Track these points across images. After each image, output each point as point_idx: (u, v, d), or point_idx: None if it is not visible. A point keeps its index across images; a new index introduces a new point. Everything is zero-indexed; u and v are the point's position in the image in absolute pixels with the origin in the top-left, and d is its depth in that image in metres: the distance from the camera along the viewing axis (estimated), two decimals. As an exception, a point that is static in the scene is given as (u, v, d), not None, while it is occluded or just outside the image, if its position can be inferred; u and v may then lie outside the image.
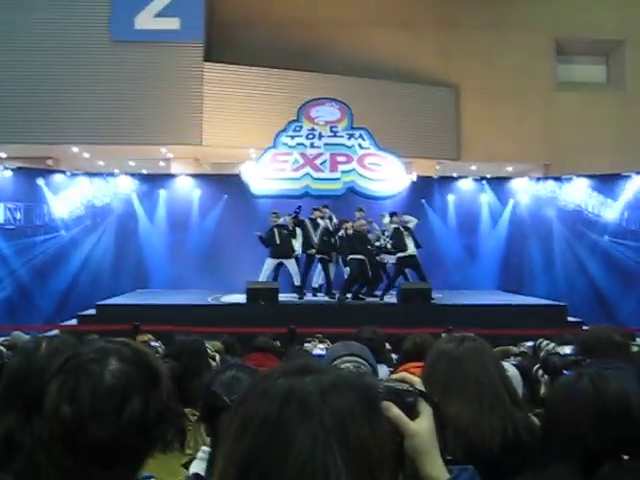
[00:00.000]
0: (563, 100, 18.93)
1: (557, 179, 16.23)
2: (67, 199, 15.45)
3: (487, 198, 16.47)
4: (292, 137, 14.16)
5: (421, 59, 18.76)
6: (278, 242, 13.52)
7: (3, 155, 17.21)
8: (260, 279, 13.53)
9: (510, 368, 3.61)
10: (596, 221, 15.38)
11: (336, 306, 13.10)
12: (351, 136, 14.19)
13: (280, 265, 13.74)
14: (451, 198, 16.32)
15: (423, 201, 15.96)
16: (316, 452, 1.00)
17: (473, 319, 11.10)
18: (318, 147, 14.10)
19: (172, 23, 17.05)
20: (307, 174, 13.96)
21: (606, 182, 15.41)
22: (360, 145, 14.14)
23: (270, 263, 13.66)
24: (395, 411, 1.32)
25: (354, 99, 14.82)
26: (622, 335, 3.78)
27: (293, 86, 17.10)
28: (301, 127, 14.22)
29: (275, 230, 13.56)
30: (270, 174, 13.97)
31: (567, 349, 5.94)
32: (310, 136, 14.18)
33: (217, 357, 6.44)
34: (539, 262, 15.92)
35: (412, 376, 1.45)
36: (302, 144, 14.12)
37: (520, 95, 18.66)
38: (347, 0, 18.91)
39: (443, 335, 4.72)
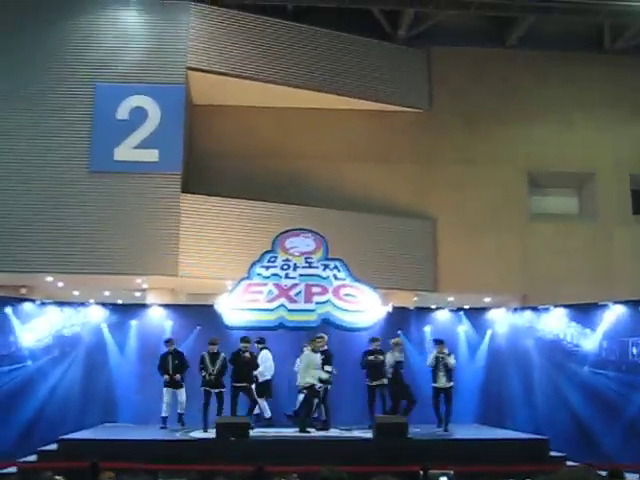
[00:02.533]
0: (538, 231, 19.18)
1: (534, 309, 16.12)
2: (35, 328, 15.11)
3: (464, 329, 16.28)
4: (267, 267, 14.03)
5: (397, 192, 19.02)
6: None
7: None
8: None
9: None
10: (576, 351, 15.16)
11: (309, 441, 12.66)
12: (326, 267, 14.08)
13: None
14: (428, 329, 16.11)
15: (399, 332, 15.72)
16: None
17: (452, 455, 10.73)
18: (293, 278, 13.96)
19: (151, 155, 17.28)
20: (282, 305, 13.75)
21: (584, 312, 15.31)
22: (335, 276, 14.01)
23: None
24: None
25: (330, 231, 14.84)
26: (596, 477, 3.49)
27: (269, 218, 17.19)
28: (276, 258, 14.12)
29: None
30: (244, 305, 13.76)
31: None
32: (285, 267, 14.06)
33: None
34: (519, 393, 15.57)
35: None
36: (277, 274, 13.98)
37: (495, 227, 18.89)
38: (322, 135, 19.31)
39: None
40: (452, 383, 14.29)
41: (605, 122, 19.96)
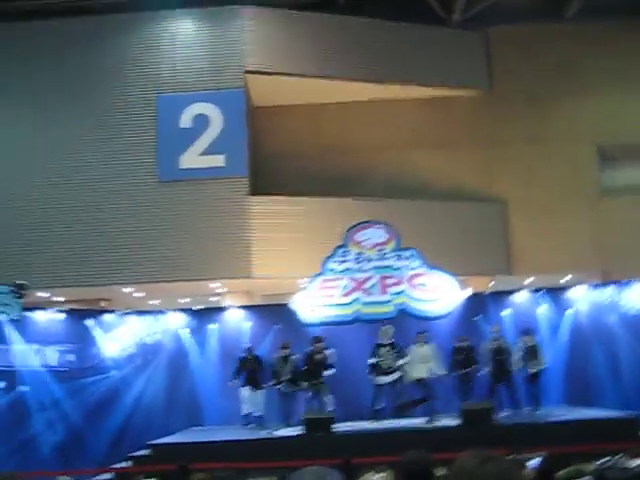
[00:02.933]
0: (612, 205, 18.64)
1: (616, 284, 15.75)
2: (117, 338, 15.45)
3: (544, 309, 16.01)
4: (340, 262, 14.05)
5: (463, 177, 18.78)
6: None
7: (60, 299, 17.37)
8: None
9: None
10: (661, 324, 14.81)
11: (397, 432, 12.64)
12: (400, 257, 14.03)
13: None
14: (506, 313, 15.89)
15: (478, 317, 15.56)
16: None
17: (539, 437, 10.56)
18: (366, 271, 13.94)
19: (217, 160, 17.42)
20: (357, 299, 13.77)
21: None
22: (409, 266, 13.95)
23: None
24: None
25: (399, 221, 14.76)
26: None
27: (337, 212, 17.14)
28: (348, 252, 14.12)
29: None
30: (319, 301, 13.81)
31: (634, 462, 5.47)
32: (358, 260, 14.05)
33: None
34: (605, 371, 15.22)
35: None
36: (350, 269, 13.98)
37: (568, 204, 18.47)
38: (385, 126, 19.19)
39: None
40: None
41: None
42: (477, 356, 14.50)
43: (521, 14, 19.57)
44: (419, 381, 14.05)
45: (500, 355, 14.29)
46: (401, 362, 14.19)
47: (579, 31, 19.49)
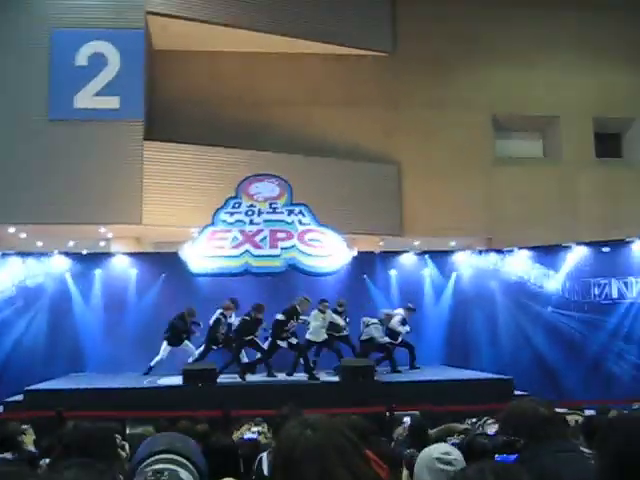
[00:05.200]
0: (503, 174, 19.20)
1: (499, 251, 16.27)
2: (-1, 279, 14.99)
3: (430, 272, 16.39)
4: (231, 214, 13.95)
5: (362, 137, 18.88)
6: None
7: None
8: None
9: (452, 450, 3.34)
10: (539, 292, 15.40)
11: (276, 387, 12.76)
12: (291, 212, 14.03)
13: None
14: (393, 273, 16.19)
15: (365, 276, 15.79)
16: None
17: (418, 396, 10.84)
18: (257, 224, 13.89)
19: (112, 102, 16.94)
20: (247, 251, 13.70)
21: (547, 253, 15.50)
22: (300, 221, 13.97)
23: None
24: None
25: (294, 177, 14.72)
26: (549, 407, 3.46)
27: (234, 163, 17.01)
28: (240, 204, 14.03)
29: None
30: (209, 252, 13.70)
31: (494, 428, 5.67)
32: (249, 213, 13.98)
33: (126, 446, 6.07)
34: (484, 335, 15.79)
35: None
36: (241, 221, 13.90)
37: (460, 170, 18.86)
38: (287, 81, 19.05)
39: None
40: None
41: (569, 65, 19.86)
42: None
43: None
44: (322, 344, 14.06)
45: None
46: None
47: (484, 1, 19.73)
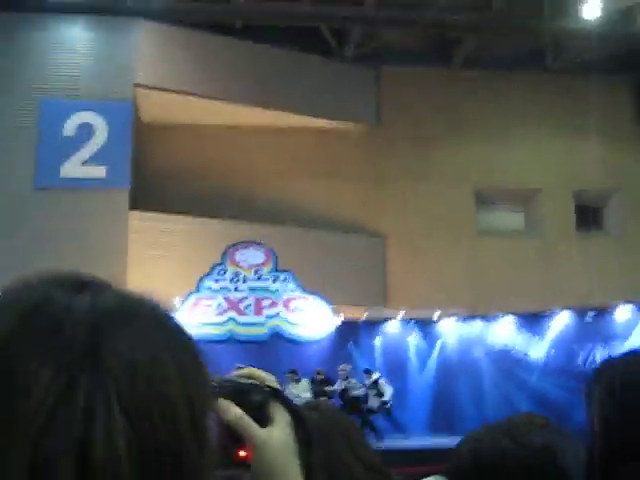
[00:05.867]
0: (486, 246, 19.34)
1: (484, 317, 16.30)
2: None
3: (414, 340, 16.35)
4: (216, 281, 14.01)
5: (345, 208, 19.04)
6: None
7: None
8: None
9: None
10: (524, 359, 15.37)
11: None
12: (276, 279, 14.09)
13: None
14: (378, 340, 16.14)
15: (350, 344, 15.74)
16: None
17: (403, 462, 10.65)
18: (242, 291, 13.93)
19: (98, 171, 17.03)
20: (231, 318, 13.73)
21: (532, 320, 15.56)
22: (285, 289, 14.00)
23: None
24: (236, 412, 0.95)
25: (279, 246, 14.83)
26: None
27: (218, 234, 17.01)
28: (225, 271, 14.11)
29: None
30: (193, 319, 13.66)
31: None
32: (234, 280, 14.04)
33: None
34: (469, 402, 15.67)
35: (264, 373, 1.11)
36: (226, 288, 13.96)
37: (444, 243, 19.00)
38: (271, 153, 19.25)
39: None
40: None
41: (548, 139, 20.28)
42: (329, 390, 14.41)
43: (414, 56, 20.16)
44: None
45: (349, 393, 14.31)
46: None
47: (465, 77, 20.25)
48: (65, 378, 0.63)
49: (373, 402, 14.32)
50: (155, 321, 0.75)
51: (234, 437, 0.95)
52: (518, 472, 1.67)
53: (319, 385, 14.17)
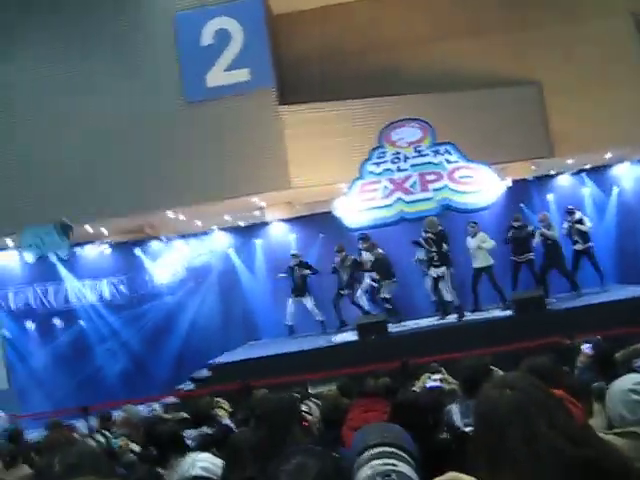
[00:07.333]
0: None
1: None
2: (167, 264, 15.65)
3: (589, 191, 15.73)
4: (377, 164, 13.95)
5: (496, 62, 18.17)
6: None
7: (105, 231, 17.47)
8: None
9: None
10: None
11: (450, 329, 12.73)
12: (437, 153, 13.86)
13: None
14: (551, 197, 15.66)
15: (522, 205, 15.36)
16: None
17: (594, 321, 10.49)
18: (405, 170, 13.82)
19: (242, 75, 17.14)
20: (399, 199, 13.69)
21: None
22: (448, 160, 13.78)
23: None
24: None
25: (433, 115, 14.49)
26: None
27: (371, 113, 16.84)
28: (385, 153, 14.00)
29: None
30: (362, 205, 13.76)
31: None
32: (395, 160, 13.93)
33: (312, 407, 6.16)
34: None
35: None
36: (389, 169, 13.87)
37: (605, 80, 17.84)
38: (410, 17, 18.57)
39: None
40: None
41: None
42: (529, 242, 14.32)
43: None
44: (480, 270, 13.97)
45: (549, 242, 14.12)
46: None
47: None
48: None
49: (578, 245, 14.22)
50: None
51: None
52: None
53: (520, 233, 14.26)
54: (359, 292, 15.08)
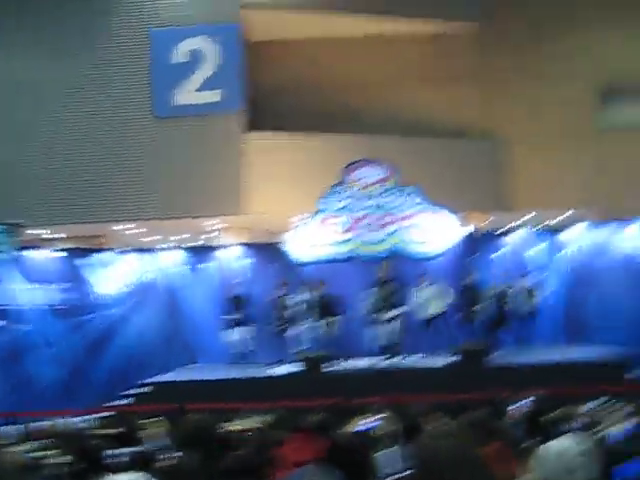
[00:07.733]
0: (611, 142, 18.36)
1: (614, 222, 15.68)
2: (115, 276, 15.50)
3: (542, 248, 15.98)
4: (339, 200, 14.03)
5: (463, 112, 18.42)
6: None
7: (57, 236, 17.23)
8: None
9: (574, 446, 3.21)
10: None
11: (390, 371, 12.78)
12: (401, 194, 13.99)
13: None
14: (501, 252, 15.87)
15: (473, 257, 15.55)
16: None
17: (532, 378, 10.60)
18: (366, 208, 13.92)
19: (213, 96, 17.16)
20: (354, 237, 13.75)
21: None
22: (411, 203, 13.91)
23: None
24: None
25: (398, 159, 14.67)
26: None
27: (336, 149, 16.93)
28: (347, 189, 14.09)
29: None
30: (316, 240, 13.80)
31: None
32: (357, 198, 14.03)
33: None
34: (600, 310, 15.22)
35: None
36: (348, 207, 13.94)
37: (568, 140, 18.18)
38: (382, 61, 18.80)
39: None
40: None
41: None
42: (480, 296, 14.50)
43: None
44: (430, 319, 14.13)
45: (503, 298, 14.32)
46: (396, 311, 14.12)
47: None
48: None
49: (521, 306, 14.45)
50: None
51: None
52: None
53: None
54: (302, 327, 15.04)
